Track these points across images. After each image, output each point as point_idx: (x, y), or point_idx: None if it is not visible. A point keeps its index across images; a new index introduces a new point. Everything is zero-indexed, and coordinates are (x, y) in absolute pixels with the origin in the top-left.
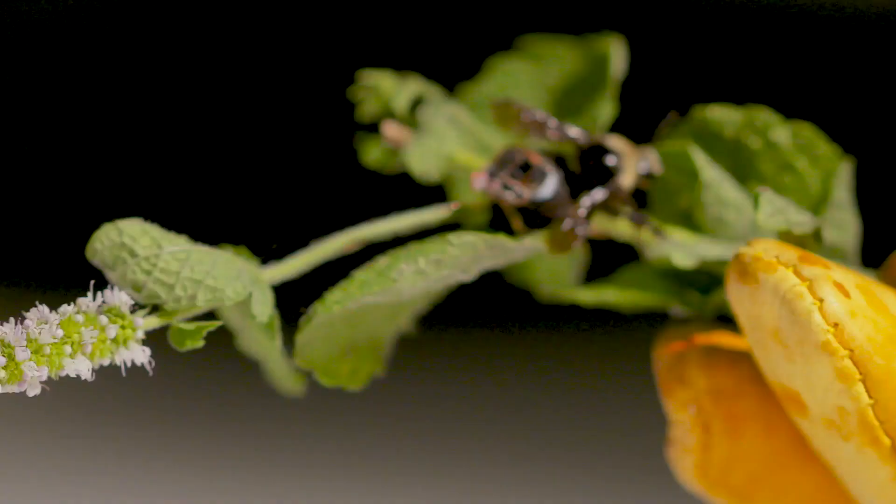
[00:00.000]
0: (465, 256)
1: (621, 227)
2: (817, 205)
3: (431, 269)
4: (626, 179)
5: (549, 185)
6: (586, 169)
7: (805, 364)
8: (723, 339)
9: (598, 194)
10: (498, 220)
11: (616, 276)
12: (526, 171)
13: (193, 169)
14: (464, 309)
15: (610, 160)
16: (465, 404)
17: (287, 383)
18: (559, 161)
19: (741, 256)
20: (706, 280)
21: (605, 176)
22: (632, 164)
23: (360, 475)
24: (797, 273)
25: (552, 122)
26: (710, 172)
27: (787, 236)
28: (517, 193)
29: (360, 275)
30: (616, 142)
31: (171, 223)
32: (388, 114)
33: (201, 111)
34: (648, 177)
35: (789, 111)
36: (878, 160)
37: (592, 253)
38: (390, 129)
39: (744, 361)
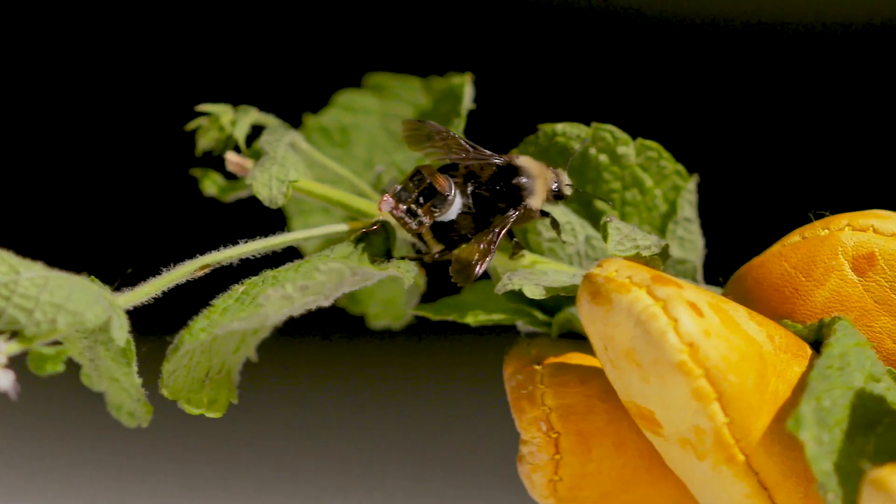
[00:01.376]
0: (331, 283)
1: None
2: (663, 221)
3: (297, 295)
4: (536, 201)
5: (453, 210)
6: (495, 191)
7: (660, 384)
8: (572, 357)
9: (510, 218)
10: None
11: (464, 292)
12: (431, 194)
13: (34, 197)
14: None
15: (521, 181)
16: (317, 414)
17: (134, 412)
18: (469, 179)
19: (593, 277)
20: (553, 299)
21: (515, 196)
22: (542, 185)
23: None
24: (651, 293)
25: (465, 143)
26: None
27: (635, 258)
28: (419, 220)
29: (221, 302)
30: (527, 162)
31: (19, 251)
32: (229, 144)
33: (34, 143)
34: (557, 198)
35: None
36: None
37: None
38: (233, 159)
39: (593, 378)
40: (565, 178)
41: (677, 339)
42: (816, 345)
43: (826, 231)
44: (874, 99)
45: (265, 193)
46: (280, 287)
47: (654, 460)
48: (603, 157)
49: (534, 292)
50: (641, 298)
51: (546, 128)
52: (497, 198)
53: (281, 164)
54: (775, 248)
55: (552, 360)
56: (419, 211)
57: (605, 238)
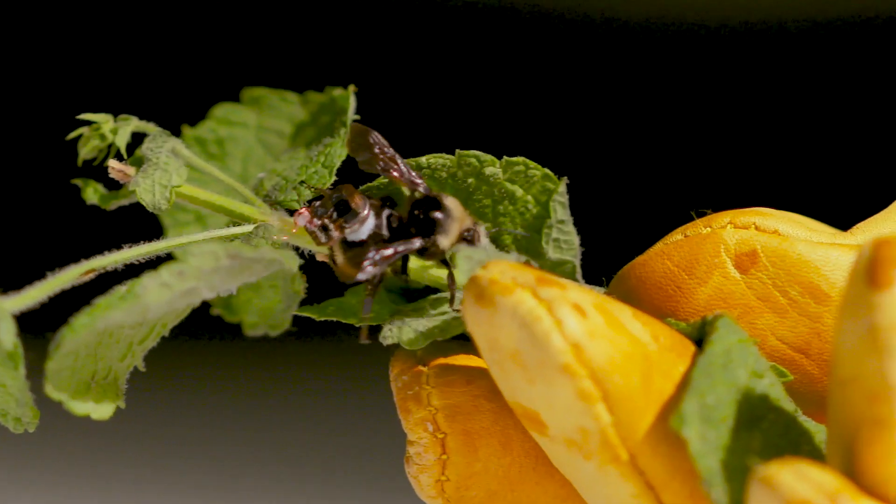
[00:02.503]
0: (207, 267)
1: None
2: (537, 223)
3: (175, 281)
4: (446, 241)
5: (364, 229)
6: (412, 217)
7: (545, 385)
8: (457, 357)
9: (413, 245)
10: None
11: (349, 293)
12: (345, 211)
13: None
14: (202, 320)
15: (437, 216)
16: (204, 416)
17: (21, 418)
18: (386, 202)
19: (477, 279)
20: (405, 289)
21: (428, 229)
22: (457, 228)
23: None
24: (535, 295)
25: (401, 163)
26: None
27: None
28: (329, 234)
29: (104, 301)
30: (451, 202)
31: None
32: (111, 152)
33: None
34: (467, 235)
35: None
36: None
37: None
38: (115, 166)
39: (479, 378)
40: (482, 232)
41: (562, 340)
42: (701, 343)
43: (708, 229)
44: (756, 98)
45: (148, 199)
46: (156, 275)
47: (540, 459)
48: (471, 181)
49: (414, 342)
50: (525, 300)
51: (410, 162)
52: (410, 225)
53: (164, 169)
54: (658, 246)
55: (438, 360)
56: (331, 226)
57: (456, 269)
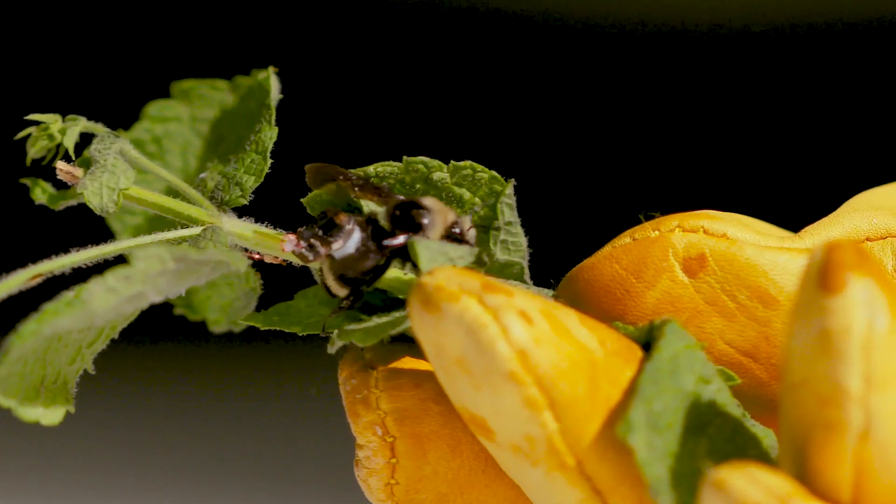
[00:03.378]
0: (153, 270)
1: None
2: (486, 227)
3: (121, 286)
4: (434, 234)
5: (351, 243)
6: (395, 221)
7: (492, 392)
8: (406, 360)
9: (398, 240)
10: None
11: (296, 298)
12: (330, 227)
13: None
14: (156, 322)
15: (419, 212)
16: (157, 419)
17: None
18: (371, 220)
19: (423, 286)
20: (385, 303)
21: (412, 229)
22: (441, 223)
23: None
24: (481, 302)
25: (369, 181)
26: (370, 206)
27: None
28: (316, 251)
29: (51, 307)
30: (430, 201)
31: None
32: (59, 153)
33: None
34: (457, 240)
35: None
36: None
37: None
38: (63, 168)
39: (427, 381)
40: (467, 223)
41: (507, 347)
42: (648, 347)
43: (656, 232)
44: (707, 101)
45: (96, 202)
46: (102, 280)
47: (489, 462)
48: (419, 186)
49: (364, 340)
50: (471, 307)
51: (358, 172)
52: (395, 228)
53: (111, 172)
54: (606, 249)
55: (386, 363)
56: (317, 243)
57: (414, 258)
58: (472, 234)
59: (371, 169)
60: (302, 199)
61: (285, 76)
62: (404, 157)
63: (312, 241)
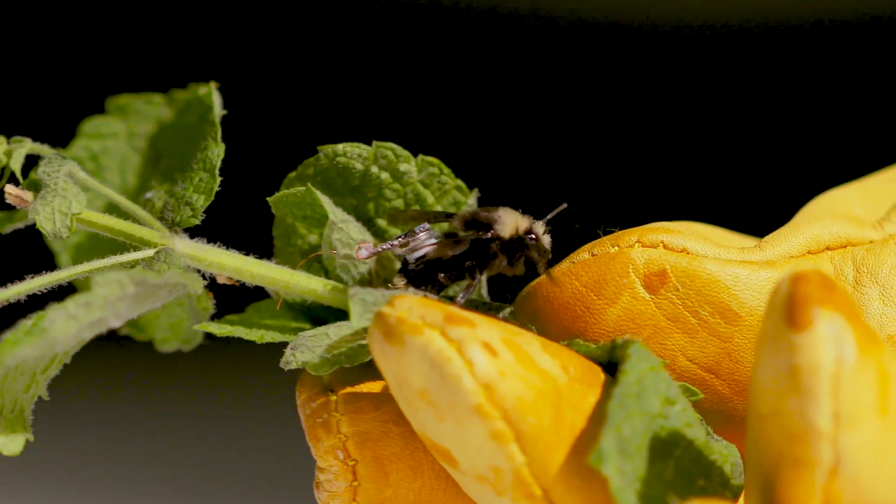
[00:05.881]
0: (114, 296)
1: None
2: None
3: (82, 313)
4: (505, 230)
5: (426, 241)
6: (466, 224)
7: (456, 425)
8: (365, 382)
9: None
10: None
11: (250, 310)
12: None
13: None
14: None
15: (490, 218)
16: (111, 441)
17: None
18: (448, 235)
19: (384, 317)
20: (340, 317)
21: (483, 228)
22: (512, 223)
23: None
24: (444, 334)
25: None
26: (336, 213)
27: None
28: (389, 246)
29: (11, 336)
30: (503, 209)
31: None
32: (4, 174)
33: None
34: (530, 241)
35: None
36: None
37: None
38: (12, 191)
39: (387, 403)
40: (541, 229)
41: (473, 381)
42: (609, 365)
43: (615, 248)
44: (663, 109)
45: (49, 227)
46: (62, 308)
47: (450, 481)
48: (385, 175)
49: (318, 368)
50: (435, 340)
51: (326, 149)
52: (468, 230)
53: (62, 196)
54: (564, 265)
55: (345, 386)
56: (393, 244)
57: (349, 314)
58: (546, 239)
59: (340, 147)
60: (269, 198)
61: (253, 81)
62: (374, 141)
63: (388, 244)
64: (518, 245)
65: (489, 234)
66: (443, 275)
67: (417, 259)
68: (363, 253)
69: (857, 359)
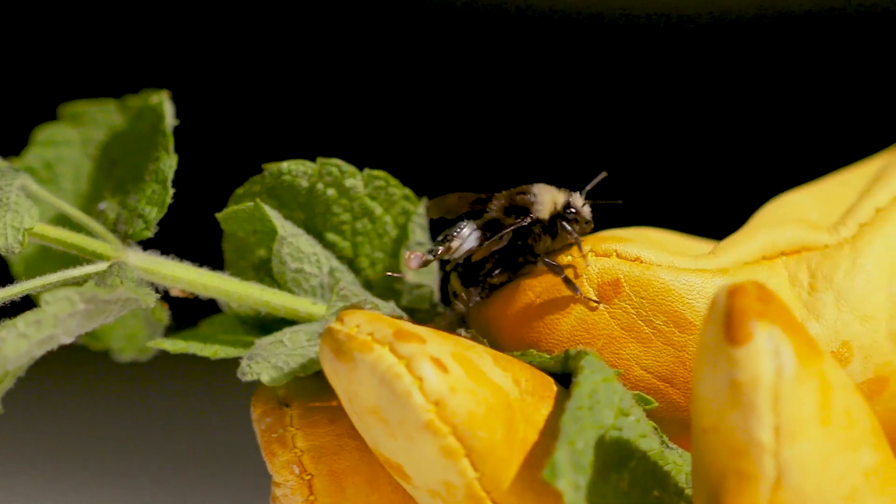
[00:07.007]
0: (64, 313)
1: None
2: (395, 246)
3: (32, 331)
4: (544, 210)
5: (468, 240)
6: (504, 210)
7: (408, 441)
8: (320, 396)
9: (508, 228)
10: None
11: (203, 325)
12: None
13: None
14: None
15: (525, 200)
16: (60, 458)
17: None
18: (483, 219)
19: (334, 333)
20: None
21: (522, 212)
22: (549, 201)
23: None
24: (393, 351)
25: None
26: (286, 227)
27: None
28: (434, 253)
29: None
30: (537, 187)
31: None
32: None
33: None
34: (569, 214)
35: None
36: None
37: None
38: None
39: (342, 416)
40: (579, 201)
41: (423, 398)
42: (563, 375)
43: (569, 258)
44: (649, 104)
45: (1, 242)
46: (12, 326)
47: (407, 494)
48: (331, 192)
49: (274, 379)
50: (384, 357)
51: (271, 167)
52: (508, 216)
53: (15, 210)
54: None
55: (300, 400)
56: (439, 249)
57: (328, 304)
58: (586, 210)
59: (284, 165)
60: (217, 215)
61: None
62: (318, 158)
63: (434, 248)
64: (559, 221)
65: (529, 219)
66: (496, 272)
67: (463, 256)
68: (414, 262)
69: (796, 371)
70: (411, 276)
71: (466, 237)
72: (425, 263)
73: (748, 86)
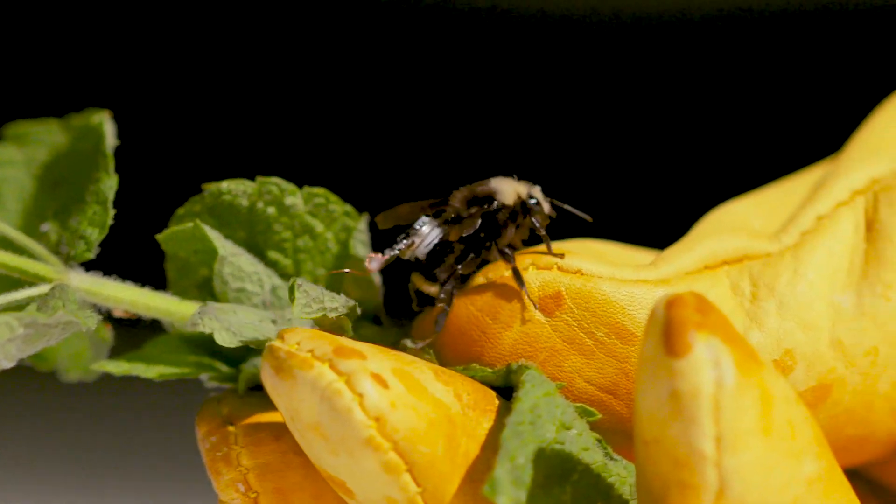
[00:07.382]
0: (3, 339)
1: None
2: (337, 263)
3: None
4: (508, 198)
5: (429, 234)
6: (466, 203)
7: (349, 458)
8: (264, 414)
9: (476, 219)
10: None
11: (147, 346)
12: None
13: None
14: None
15: (487, 187)
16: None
17: None
18: (452, 220)
19: (275, 350)
20: (239, 351)
21: (484, 202)
22: (512, 192)
23: None
24: (334, 368)
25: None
26: (226, 247)
27: (322, 320)
28: (397, 251)
29: None
30: (496, 180)
31: None
32: None
33: None
34: (533, 205)
35: None
36: None
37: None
38: None
39: (286, 433)
40: (540, 193)
41: (363, 415)
42: (506, 389)
43: (510, 272)
44: (641, 105)
45: None
46: None
47: None
48: (271, 210)
49: (224, 339)
50: (324, 374)
51: (211, 187)
52: (470, 208)
53: None
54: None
55: (244, 418)
56: (400, 248)
57: (291, 300)
58: (546, 207)
59: (224, 185)
60: (157, 236)
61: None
62: (258, 177)
63: (394, 249)
64: (522, 210)
65: (494, 205)
66: (463, 260)
67: (428, 253)
68: (374, 265)
69: (736, 381)
70: (354, 292)
71: (427, 234)
72: (386, 263)
73: (719, 88)
